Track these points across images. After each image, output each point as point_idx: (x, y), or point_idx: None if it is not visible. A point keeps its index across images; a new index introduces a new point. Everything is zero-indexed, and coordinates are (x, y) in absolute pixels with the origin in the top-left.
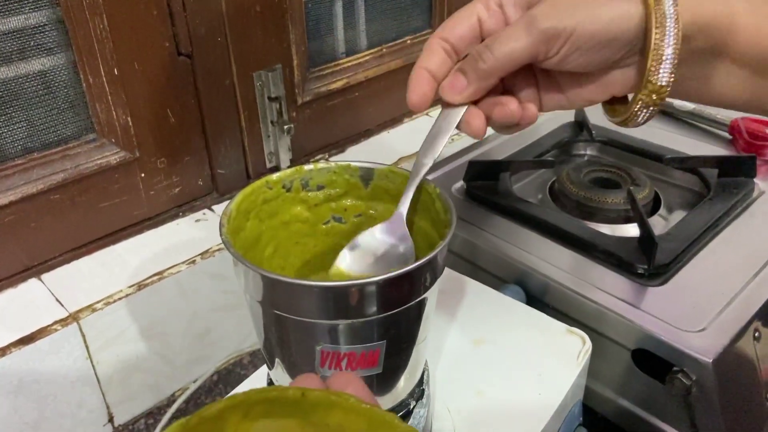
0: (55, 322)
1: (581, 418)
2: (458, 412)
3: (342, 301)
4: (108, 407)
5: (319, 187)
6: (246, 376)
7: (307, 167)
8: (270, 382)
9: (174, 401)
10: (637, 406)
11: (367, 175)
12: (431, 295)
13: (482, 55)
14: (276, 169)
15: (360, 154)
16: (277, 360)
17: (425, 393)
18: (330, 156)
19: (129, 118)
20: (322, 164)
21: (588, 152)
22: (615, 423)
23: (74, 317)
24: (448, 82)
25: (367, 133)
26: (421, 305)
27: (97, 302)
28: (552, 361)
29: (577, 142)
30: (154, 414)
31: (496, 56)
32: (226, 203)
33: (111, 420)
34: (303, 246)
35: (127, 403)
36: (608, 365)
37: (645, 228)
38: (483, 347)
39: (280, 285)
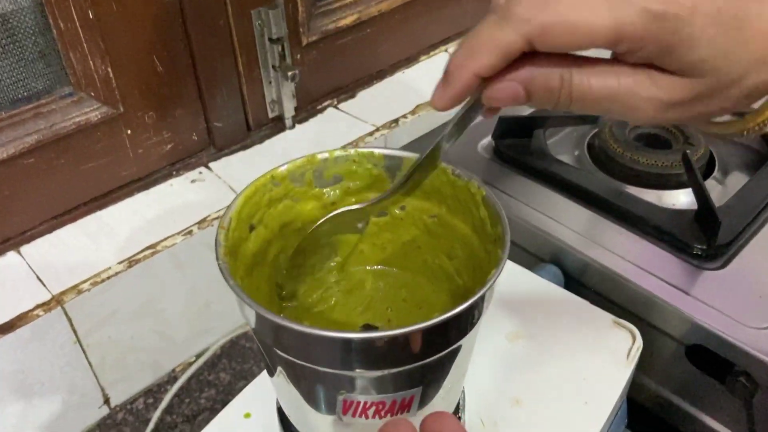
0: (37, 307)
1: (627, 419)
2: (494, 425)
3: (369, 353)
4: (102, 389)
5: (336, 179)
6: (251, 349)
7: (321, 156)
8: (279, 408)
9: (176, 378)
10: (688, 403)
11: (393, 164)
12: (478, 329)
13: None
14: (279, 119)
15: (373, 99)
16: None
17: (461, 420)
18: (339, 102)
19: (109, 68)
20: (339, 152)
21: None
22: (660, 417)
23: (58, 300)
24: (505, 94)
25: (380, 75)
26: (467, 342)
27: (83, 282)
28: (598, 361)
29: None
30: (153, 392)
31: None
32: (223, 161)
33: (107, 401)
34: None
35: (123, 383)
36: (658, 359)
37: (705, 201)
38: (519, 344)
39: (291, 333)
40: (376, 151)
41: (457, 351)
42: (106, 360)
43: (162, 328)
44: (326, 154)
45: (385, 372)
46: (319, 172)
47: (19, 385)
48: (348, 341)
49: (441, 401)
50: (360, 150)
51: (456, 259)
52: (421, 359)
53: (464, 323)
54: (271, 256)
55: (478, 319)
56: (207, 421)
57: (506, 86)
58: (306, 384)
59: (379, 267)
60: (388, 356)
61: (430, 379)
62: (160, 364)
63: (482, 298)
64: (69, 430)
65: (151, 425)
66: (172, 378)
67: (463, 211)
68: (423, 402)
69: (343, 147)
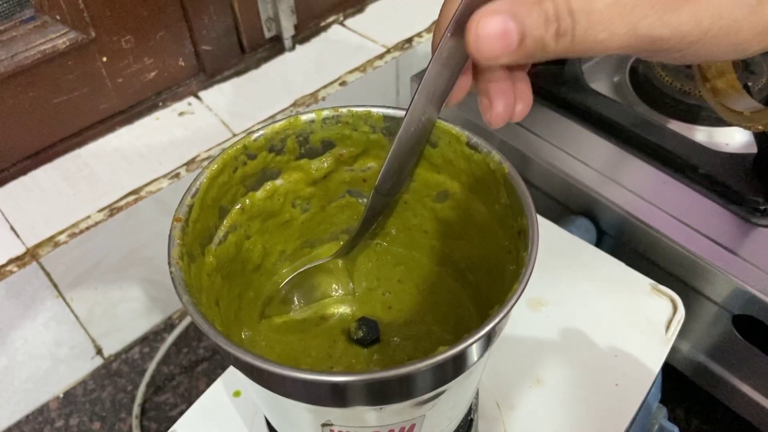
0: (11, 262)
1: (660, 394)
2: (511, 408)
3: (364, 394)
4: (93, 340)
5: (326, 146)
6: None
7: (305, 117)
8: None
9: (173, 326)
10: (728, 371)
11: (396, 127)
12: (494, 346)
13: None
14: (277, 40)
15: (384, 14)
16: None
17: (473, 422)
18: (345, 18)
19: None
20: (327, 111)
21: None
22: (694, 382)
23: (33, 254)
24: (492, 28)
25: None
26: (483, 362)
27: (60, 233)
28: (633, 334)
29: None
30: (150, 341)
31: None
32: (215, 89)
33: (99, 352)
34: (301, 228)
35: (115, 333)
36: (700, 324)
37: (766, 145)
38: (542, 313)
39: (272, 375)
40: (374, 110)
41: (467, 377)
42: (94, 311)
43: (153, 276)
44: (312, 115)
45: (378, 408)
46: (304, 136)
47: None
48: (338, 386)
49: (448, 420)
50: (354, 110)
51: (471, 245)
52: (424, 393)
53: (481, 347)
54: (252, 250)
55: (497, 337)
56: (205, 372)
57: (492, 21)
58: (284, 411)
59: (371, 241)
60: (381, 394)
61: (435, 407)
62: (155, 312)
63: (505, 320)
64: (61, 382)
65: (147, 377)
66: (169, 326)
67: (480, 191)
68: (428, 425)
69: (334, 107)
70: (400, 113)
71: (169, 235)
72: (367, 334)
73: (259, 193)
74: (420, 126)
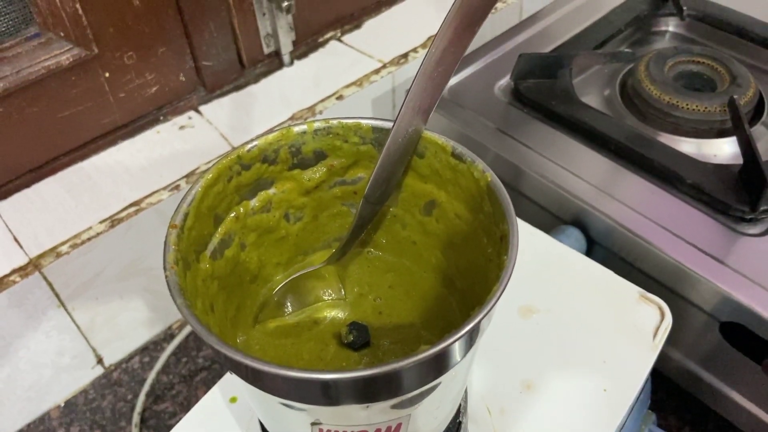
0: (14, 272)
1: (649, 400)
2: (500, 413)
3: (351, 392)
4: (94, 350)
5: (318, 156)
6: None
7: (297, 129)
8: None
9: (173, 335)
10: (717, 379)
11: (384, 138)
12: (480, 341)
13: None
14: (276, 55)
15: (381, 30)
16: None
17: (462, 425)
18: (342, 34)
19: (78, 4)
20: (318, 123)
21: (671, 29)
22: (685, 390)
23: (35, 264)
24: None
25: (389, 0)
26: (468, 360)
27: (62, 244)
28: (621, 341)
29: (659, 17)
30: (149, 350)
31: None
32: (215, 103)
33: (100, 361)
34: (296, 240)
35: (116, 342)
36: (688, 332)
37: (751, 156)
38: (532, 320)
39: (261, 374)
40: (364, 122)
41: (453, 373)
42: (95, 321)
43: (154, 286)
44: (304, 127)
45: (365, 406)
46: (297, 148)
47: (2, 351)
48: (325, 383)
49: (434, 420)
50: (344, 121)
51: (458, 254)
52: (410, 391)
53: (464, 347)
54: (249, 262)
55: (479, 338)
56: (204, 381)
57: None
58: (274, 410)
59: (362, 249)
60: (368, 392)
61: (422, 405)
62: (155, 321)
63: (488, 316)
64: (62, 392)
65: (147, 386)
66: (168, 336)
67: (465, 200)
68: (414, 425)
69: (325, 119)
70: (388, 125)
71: (165, 241)
72: (358, 338)
73: (253, 203)
74: (407, 136)
